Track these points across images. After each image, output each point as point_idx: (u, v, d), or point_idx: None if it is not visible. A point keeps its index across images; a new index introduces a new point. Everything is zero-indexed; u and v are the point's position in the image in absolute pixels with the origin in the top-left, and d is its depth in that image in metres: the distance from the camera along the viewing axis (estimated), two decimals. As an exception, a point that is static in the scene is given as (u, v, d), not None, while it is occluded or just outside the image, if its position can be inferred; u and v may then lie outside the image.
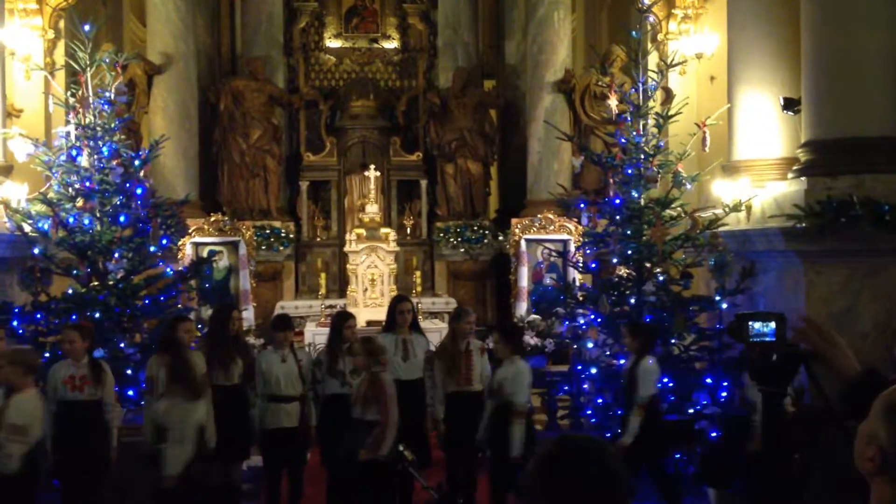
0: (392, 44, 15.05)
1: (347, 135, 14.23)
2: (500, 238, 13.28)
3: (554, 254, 11.43)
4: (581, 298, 8.79)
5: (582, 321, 8.81)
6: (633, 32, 9.13)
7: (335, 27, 15.00)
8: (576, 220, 11.00)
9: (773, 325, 2.59)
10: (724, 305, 8.06)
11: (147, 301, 8.38)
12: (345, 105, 14.40)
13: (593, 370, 8.33)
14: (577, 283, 10.38)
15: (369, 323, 10.38)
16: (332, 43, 14.99)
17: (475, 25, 14.92)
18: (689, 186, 8.63)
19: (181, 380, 6.14)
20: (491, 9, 15.42)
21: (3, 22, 9.35)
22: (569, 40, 13.54)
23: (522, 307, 11.55)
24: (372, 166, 12.72)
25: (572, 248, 11.13)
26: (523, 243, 11.93)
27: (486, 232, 13.59)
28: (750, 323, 2.63)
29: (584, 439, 1.97)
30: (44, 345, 7.59)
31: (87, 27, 8.66)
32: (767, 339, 2.60)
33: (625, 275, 8.74)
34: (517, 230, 12.05)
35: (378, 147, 14.15)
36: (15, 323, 7.47)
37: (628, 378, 7.03)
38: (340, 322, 7.31)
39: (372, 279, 11.67)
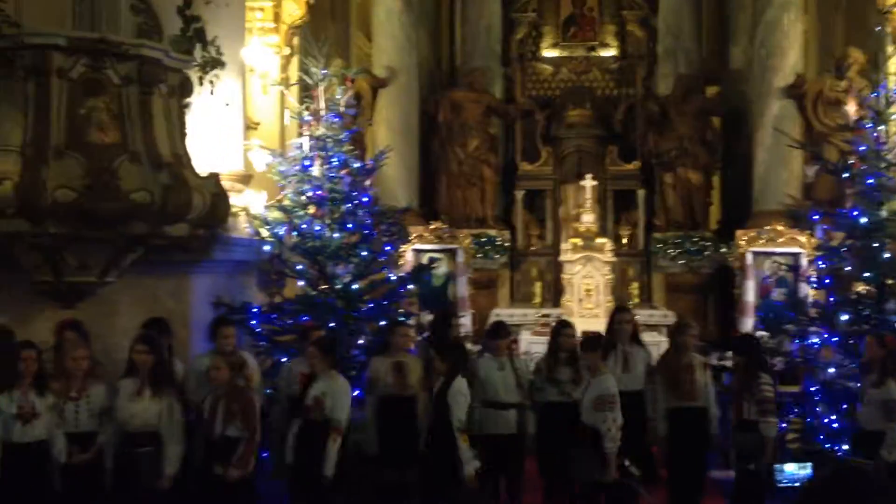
0: (610, 51, 14.87)
1: (563, 144, 14.19)
2: (723, 250, 12.77)
3: (784, 268, 10.85)
4: (814, 316, 8.28)
5: (814, 340, 8.29)
6: (875, 33, 8.51)
7: (552, 36, 15.01)
8: (808, 232, 10.41)
9: None
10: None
11: (371, 305, 8.65)
12: (561, 114, 14.37)
13: (828, 392, 7.81)
14: (810, 300, 9.79)
15: (584, 333, 10.25)
16: (549, 52, 15.00)
17: (698, 30, 14.46)
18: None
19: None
20: (715, 12, 14.88)
21: (244, 41, 9.95)
22: (800, 43, 12.81)
23: (748, 323, 11.03)
24: (588, 175, 12.59)
25: (804, 262, 10.53)
26: (749, 256, 11.40)
27: (708, 244, 13.11)
28: None
29: (859, 469, 1.80)
30: (278, 343, 8.00)
31: (319, 44, 9.08)
32: None
33: (863, 291, 8.15)
34: (742, 242, 11.55)
35: (594, 156, 14.02)
36: (254, 322, 7.94)
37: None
38: (559, 330, 7.27)
39: (587, 289, 11.54)
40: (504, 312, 12.46)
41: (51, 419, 5.75)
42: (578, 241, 11.85)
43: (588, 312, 11.36)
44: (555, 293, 12.97)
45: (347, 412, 6.36)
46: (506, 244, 13.60)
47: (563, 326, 7.39)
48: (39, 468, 5.68)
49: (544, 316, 11.32)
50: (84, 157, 6.01)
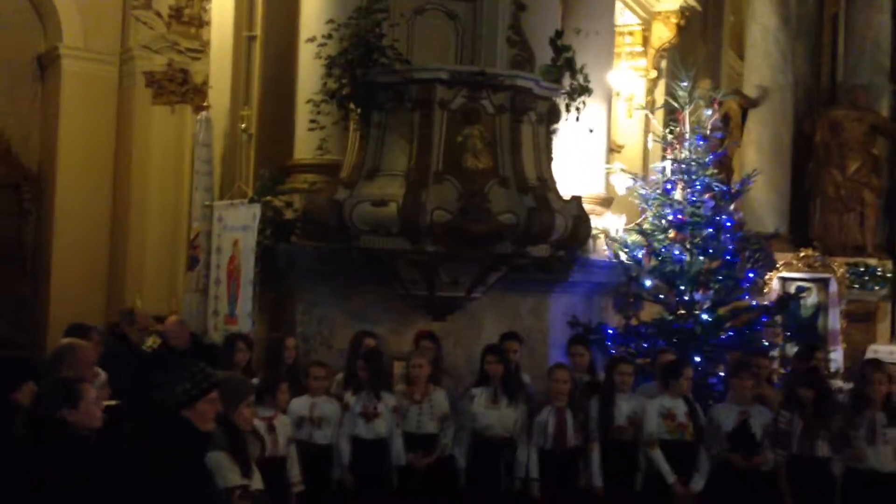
0: None
1: (962, 166, 12.82)
2: None
3: None
4: None
5: None
6: None
7: (954, 47, 13.57)
8: None
9: None
10: None
11: (731, 333, 8.38)
12: (959, 134, 12.98)
13: None
14: None
15: None
16: (949, 65, 13.57)
17: None
18: None
19: None
20: None
21: (612, 65, 10.12)
22: None
23: None
24: None
25: None
26: None
27: None
28: None
29: None
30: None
31: (687, 66, 8.99)
32: None
33: None
34: None
35: None
36: (609, 343, 8.03)
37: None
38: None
39: None
40: (883, 349, 11.46)
41: (391, 420, 6.18)
42: (977, 276, 10.60)
43: None
44: (945, 332, 11.75)
45: None
46: (888, 275, 12.57)
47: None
48: (380, 464, 6.16)
49: (931, 357, 10.21)
50: (459, 182, 6.51)
